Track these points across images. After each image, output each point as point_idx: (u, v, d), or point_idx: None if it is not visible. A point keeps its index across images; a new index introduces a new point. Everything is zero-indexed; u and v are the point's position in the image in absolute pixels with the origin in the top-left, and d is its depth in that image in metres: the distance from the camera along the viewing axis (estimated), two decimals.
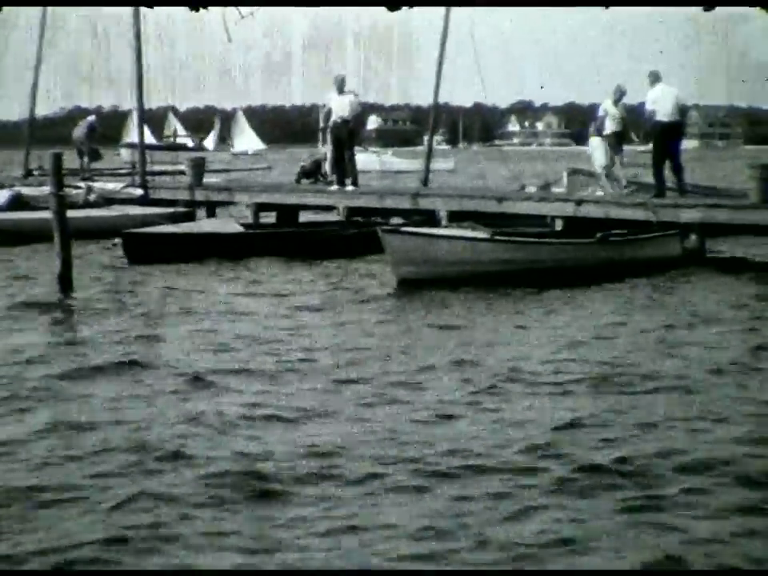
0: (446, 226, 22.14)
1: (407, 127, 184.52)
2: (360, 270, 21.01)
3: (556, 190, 28.72)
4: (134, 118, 36.10)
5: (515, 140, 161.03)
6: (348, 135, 26.95)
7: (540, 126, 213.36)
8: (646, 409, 10.26)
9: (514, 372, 11.83)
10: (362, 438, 9.23)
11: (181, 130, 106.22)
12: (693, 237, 22.28)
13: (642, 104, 24.67)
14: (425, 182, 28.25)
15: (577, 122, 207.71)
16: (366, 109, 41.89)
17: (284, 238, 24.05)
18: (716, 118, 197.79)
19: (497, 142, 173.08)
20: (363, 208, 26.58)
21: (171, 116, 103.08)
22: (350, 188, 27.05)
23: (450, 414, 10.10)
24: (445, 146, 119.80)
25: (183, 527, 7.23)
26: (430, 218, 24.95)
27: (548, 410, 10.24)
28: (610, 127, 24.86)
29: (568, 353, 12.96)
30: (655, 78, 24.12)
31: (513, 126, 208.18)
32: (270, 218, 28.62)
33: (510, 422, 9.80)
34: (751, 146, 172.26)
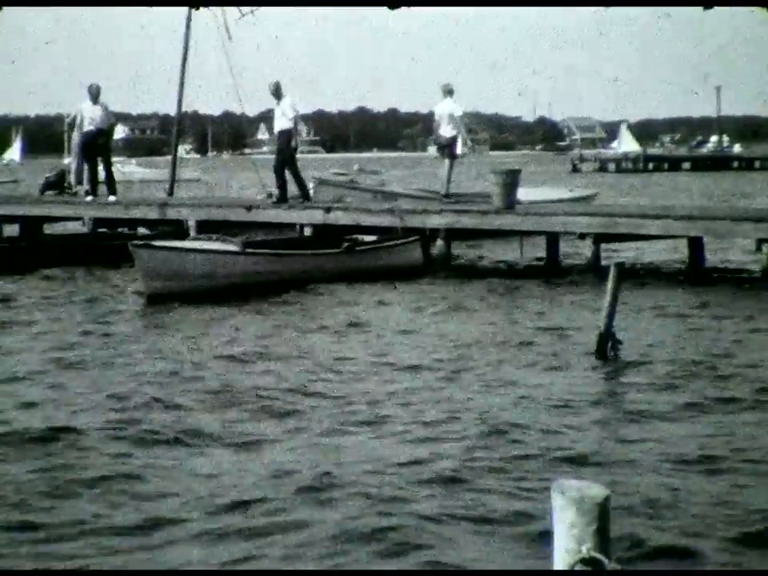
0: (195, 238, 21.89)
1: (155, 136, 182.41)
2: (107, 281, 20.63)
3: None
4: None
5: (265, 148, 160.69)
6: (104, 145, 26.42)
7: None
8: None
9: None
10: None
11: None
12: (439, 242, 22.72)
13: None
14: (171, 191, 27.85)
15: (325, 129, 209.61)
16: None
17: (22, 250, 23.31)
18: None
19: (246, 150, 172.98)
20: (110, 219, 26.03)
21: None
22: (111, 198, 26.33)
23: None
24: (194, 155, 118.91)
25: None
26: (178, 227, 24.65)
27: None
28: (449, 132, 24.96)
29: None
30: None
31: (262, 135, 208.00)
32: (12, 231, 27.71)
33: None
34: (497, 151, 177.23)
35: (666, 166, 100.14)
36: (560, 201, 28.97)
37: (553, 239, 23.08)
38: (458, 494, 8.07)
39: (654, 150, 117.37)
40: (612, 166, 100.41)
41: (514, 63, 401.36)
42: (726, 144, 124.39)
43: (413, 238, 21.78)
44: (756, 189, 58.07)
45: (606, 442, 9.47)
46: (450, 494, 8.07)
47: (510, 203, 22.59)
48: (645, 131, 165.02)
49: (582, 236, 21.90)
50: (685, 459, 8.90)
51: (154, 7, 26.42)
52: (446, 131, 24.54)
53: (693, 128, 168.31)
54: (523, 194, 24.98)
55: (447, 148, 24.67)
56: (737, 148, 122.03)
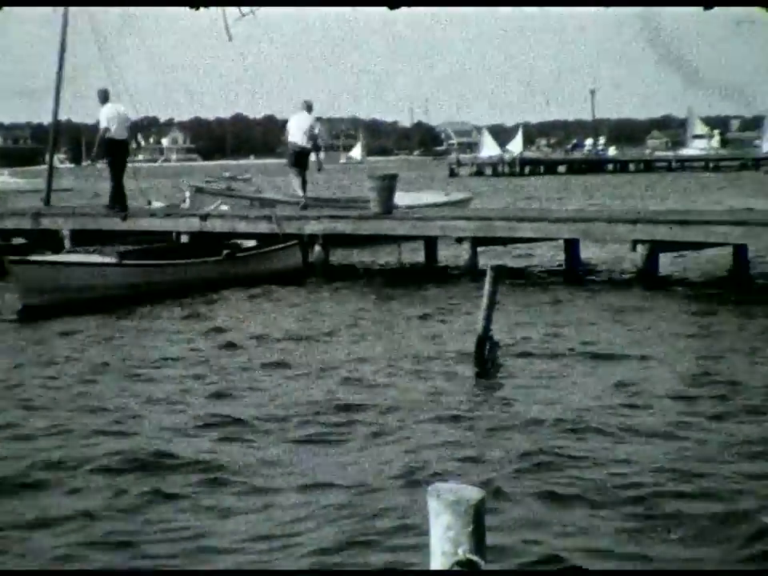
0: (71, 250, 21.63)
1: (27, 146, 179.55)
2: None
3: (184, 206, 28.65)
4: None
5: (140, 156, 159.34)
6: None
7: (166, 141, 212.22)
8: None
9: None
10: None
11: None
12: (317, 248, 22.73)
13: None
14: (47, 200, 27.41)
15: (202, 137, 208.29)
16: None
17: None
18: (340, 131, 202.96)
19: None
20: None
21: None
22: None
23: None
24: (68, 164, 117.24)
25: None
26: (53, 237, 24.30)
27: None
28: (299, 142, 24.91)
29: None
30: (104, 96, 24.08)
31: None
32: None
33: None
34: (373, 156, 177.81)
35: (542, 169, 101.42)
36: (437, 205, 29.15)
37: (431, 243, 23.21)
38: (336, 495, 8.07)
39: (530, 154, 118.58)
40: (489, 170, 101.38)
41: (392, 68, 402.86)
42: (600, 147, 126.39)
43: (292, 243, 21.76)
44: (631, 191, 59.15)
45: (482, 445, 9.52)
46: (326, 497, 8.07)
47: (388, 208, 22.66)
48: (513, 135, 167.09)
49: (460, 240, 22.05)
50: (560, 454, 9.00)
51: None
52: (296, 141, 24.68)
53: (569, 131, 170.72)
54: (401, 198, 25.11)
55: (293, 157, 24.76)
56: (611, 151, 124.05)
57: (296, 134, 24.74)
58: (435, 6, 6.37)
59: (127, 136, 24.53)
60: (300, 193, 25.12)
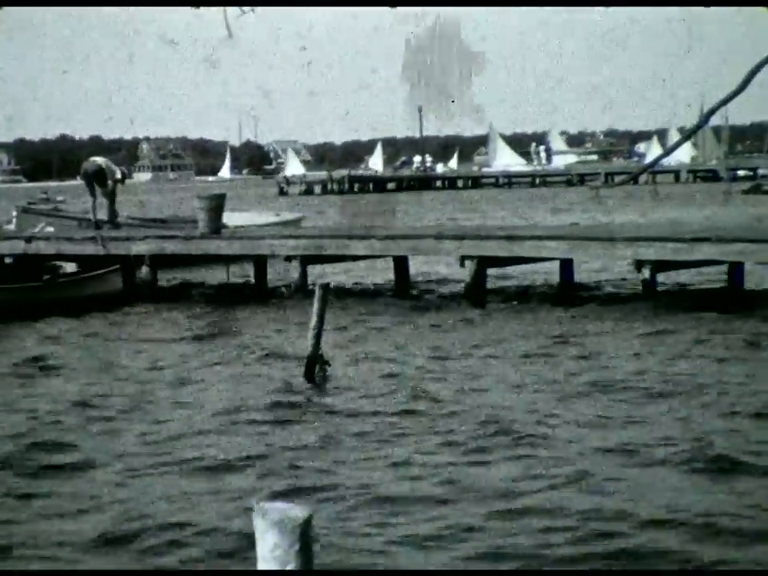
0: None
1: None
2: None
3: (8, 227, 28.18)
4: None
5: None
6: None
7: None
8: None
9: None
10: None
11: None
12: (144, 269, 22.42)
13: None
14: None
15: (27, 158, 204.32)
16: None
17: None
18: (167, 150, 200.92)
19: None
20: None
21: None
22: None
23: None
24: None
25: None
26: None
27: None
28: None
29: None
30: None
31: None
32: None
33: None
34: (202, 176, 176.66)
35: (371, 186, 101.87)
36: (267, 225, 29.08)
37: (260, 263, 23.13)
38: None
39: (360, 171, 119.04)
40: (318, 189, 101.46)
41: (217, 85, 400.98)
42: (428, 164, 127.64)
43: (112, 268, 21.36)
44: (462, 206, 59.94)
45: (310, 463, 9.53)
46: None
47: (216, 228, 22.51)
48: (350, 153, 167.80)
49: (289, 258, 22.03)
50: (393, 464, 9.06)
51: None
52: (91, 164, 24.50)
53: (397, 148, 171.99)
54: (230, 218, 24.99)
55: (90, 178, 24.49)
56: (440, 167, 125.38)
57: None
58: (434, 5, 6.34)
59: None
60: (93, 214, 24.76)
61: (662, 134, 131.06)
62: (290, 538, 4.25)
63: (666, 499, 8.23)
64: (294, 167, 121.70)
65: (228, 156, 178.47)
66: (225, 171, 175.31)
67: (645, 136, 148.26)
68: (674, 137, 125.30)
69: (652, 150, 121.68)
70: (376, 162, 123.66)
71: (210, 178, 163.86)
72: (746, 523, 7.69)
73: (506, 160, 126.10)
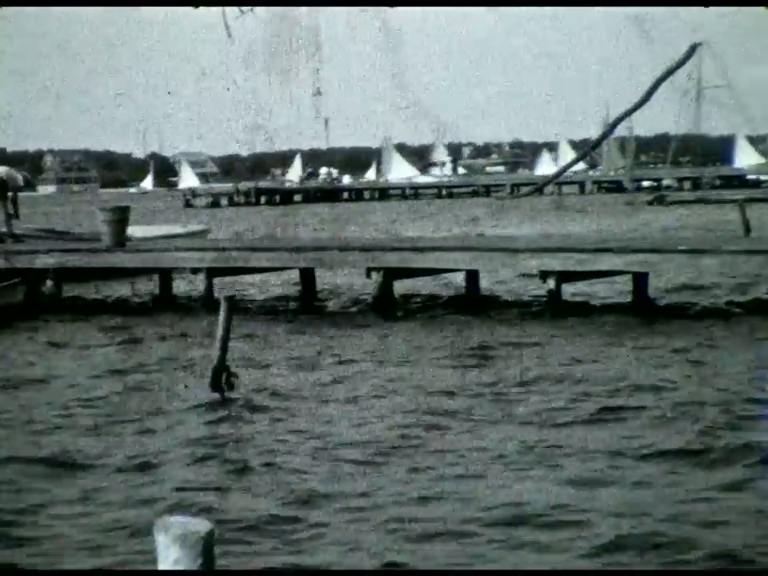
0: None
1: None
2: None
3: None
4: None
5: None
6: None
7: None
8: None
9: None
10: None
11: None
12: (49, 282, 22.15)
13: None
14: None
15: None
16: None
17: None
18: (73, 163, 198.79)
19: None
20: None
21: None
22: None
23: None
24: None
25: None
26: None
27: None
28: None
29: None
30: None
31: None
32: None
33: None
34: (107, 189, 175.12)
35: (278, 198, 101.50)
36: (172, 236, 28.89)
37: (165, 275, 22.96)
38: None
39: (265, 183, 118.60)
40: (225, 201, 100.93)
41: (128, 98, 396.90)
42: (335, 175, 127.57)
43: (13, 281, 21.07)
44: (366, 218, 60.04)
45: (217, 475, 9.51)
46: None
47: (120, 241, 22.34)
48: (258, 165, 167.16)
49: (195, 271, 21.92)
50: (294, 470, 9.06)
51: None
52: None
53: (304, 160, 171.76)
54: (135, 231, 24.80)
55: None
56: (346, 179, 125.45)
57: None
58: (434, 5, 6.30)
59: None
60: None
61: (552, 147, 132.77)
62: (193, 552, 4.23)
63: None
64: (189, 180, 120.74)
65: (152, 167, 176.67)
66: (147, 183, 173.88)
67: (551, 147, 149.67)
68: (565, 150, 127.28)
69: (542, 162, 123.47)
70: (293, 174, 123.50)
71: (132, 190, 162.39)
72: None
73: (402, 172, 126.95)
